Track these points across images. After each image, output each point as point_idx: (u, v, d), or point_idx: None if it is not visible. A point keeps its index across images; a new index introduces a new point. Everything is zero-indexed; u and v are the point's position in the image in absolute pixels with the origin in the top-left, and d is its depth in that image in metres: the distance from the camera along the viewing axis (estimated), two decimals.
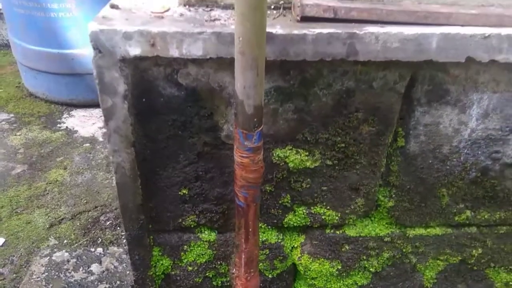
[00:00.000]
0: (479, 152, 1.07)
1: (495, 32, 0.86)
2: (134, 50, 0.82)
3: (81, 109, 2.68)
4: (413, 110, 1.00)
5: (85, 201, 1.96)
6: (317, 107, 0.98)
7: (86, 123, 2.54)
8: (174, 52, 0.83)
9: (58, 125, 2.52)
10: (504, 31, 0.87)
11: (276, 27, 0.85)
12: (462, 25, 0.88)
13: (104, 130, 2.54)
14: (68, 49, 2.41)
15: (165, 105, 0.94)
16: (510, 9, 0.92)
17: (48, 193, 1.99)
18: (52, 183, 2.06)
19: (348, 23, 0.88)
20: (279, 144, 1.03)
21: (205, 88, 0.93)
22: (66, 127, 2.50)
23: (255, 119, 0.82)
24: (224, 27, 0.84)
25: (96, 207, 1.92)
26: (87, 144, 2.34)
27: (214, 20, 0.87)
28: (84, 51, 2.41)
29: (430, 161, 1.07)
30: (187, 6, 0.93)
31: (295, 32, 0.83)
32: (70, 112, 2.65)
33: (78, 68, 2.47)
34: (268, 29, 0.81)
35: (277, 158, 1.05)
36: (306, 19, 0.88)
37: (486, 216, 1.19)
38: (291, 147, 1.03)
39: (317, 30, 0.83)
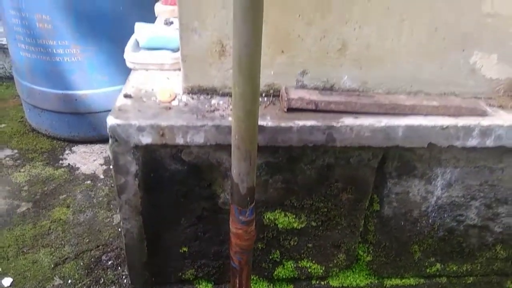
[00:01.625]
0: (445, 215, 1.22)
1: (453, 123, 1.03)
2: (146, 140, 0.97)
3: (82, 145, 2.81)
4: (386, 181, 1.16)
5: (87, 240, 2.08)
6: (302, 178, 1.13)
7: (87, 160, 2.67)
8: (180, 141, 0.99)
9: (61, 162, 2.65)
10: (461, 121, 1.03)
11: (267, 119, 1.00)
12: (425, 115, 1.05)
13: (104, 167, 2.67)
14: (72, 90, 2.56)
15: (170, 178, 1.09)
16: (467, 100, 1.09)
17: (52, 232, 2.11)
18: (56, 222, 2.18)
19: (327, 113, 1.04)
20: (269, 208, 1.18)
21: (205, 163, 1.08)
22: (68, 164, 2.63)
23: (248, 198, 0.97)
24: (223, 119, 1.00)
25: (98, 246, 2.05)
26: (89, 182, 2.47)
27: (214, 110, 1.03)
28: (86, 92, 2.56)
29: (402, 223, 1.23)
30: (190, 94, 1.09)
31: (283, 124, 0.99)
32: (72, 148, 2.78)
33: (81, 108, 2.62)
34: (260, 122, 0.97)
35: (268, 220, 1.19)
36: (292, 110, 1.04)
37: (454, 268, 1.34)
38: (280, 211, 1.19)
39: (301, 123, 0.99)
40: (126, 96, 1.06)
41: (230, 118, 1.00)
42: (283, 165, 1.10)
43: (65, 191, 2.39)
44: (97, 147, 2.77)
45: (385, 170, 1.14)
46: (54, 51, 2.41)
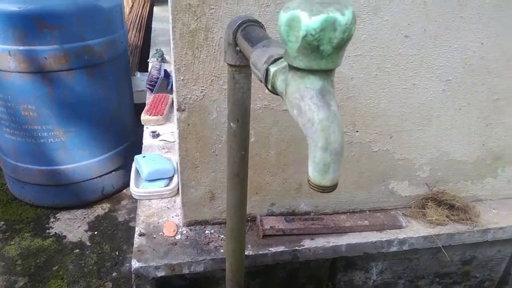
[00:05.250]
0: None
1: (379, 238, 1.47)
2: (161, 273, 1.34)
3: (65, 211, 3.07)
4: (336, 274, 1.59)
5: None
6: (276, 278, 1.53)
7: (73, 227, 2.94)
8: (186, 271, 1.36)
9: (47, 231, 2.90)
10: (385, 236, 1.48)
11: (248, 247, 1.40)
12: (360, 232, 1.49)
13: (89, 233, 2.95)
14: (55, 166, 2.83)
15: None
16: (389, 216, 1.54)
17: None
18: None
19: (292, 236, 1.45)
20: None
21: (203, 277, 1.46)
22: (55, 232, 2.89)
23: None
24: (217, 251, 1.38)
25: None
26: (77, 250, 2.75)
27: (209, 242, 1.41)
28: (68, 166, 2.83)
29: None
30: (188, 227, 1.46)
31: (260, 252, 1.39)
32: (56, 215, 3.03)
33: (63, 180, 2.89)
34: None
35: None
36: (266, 236, 1.44)
37: None
38: None
39: (273, 249, 1.40)
40: (140, 235, 1.42)
41: (221, 250, 1.38)
42: (261, 272, 1.50)
43: (56, 262, 2.66)
44: (79, 212, 3.03)
45: (335, 267, 1.57)
46: (39, 134, 2.67)
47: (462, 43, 1.30)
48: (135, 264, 1.32)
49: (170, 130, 2.06)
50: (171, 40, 1.15)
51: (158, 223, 1.48)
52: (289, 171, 1.43)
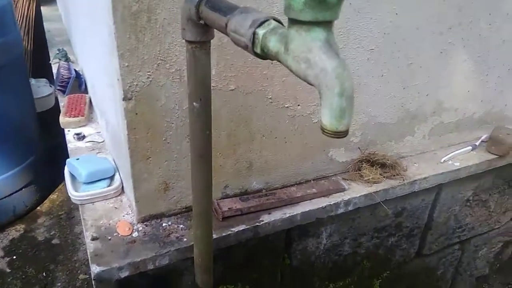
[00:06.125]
0: (330, 253, 1.79)
1: (327, 203, 1.57)
2: (125, 274, 1.27)
3: None
4: (292, 244, 1.66)
5: None
6: (236, 258, 1.55)
7: None
8: (151, 266, 1.31)
9: None
10: (332, 200, 1.59)
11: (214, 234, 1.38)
12: (310, 199, 1.57)
13: (7, 259, 2.66)
14: None
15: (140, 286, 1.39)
16: (332, 181, 1.65)
17: None
18: None
19: (250, 214, 1.47)
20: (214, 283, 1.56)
21: (165, 271, 1.41)
22: None
23: None
24: (180, 241, 1.35)
25: None
26: None
27: (169, 234, 1.37)
28: None
29: (306, 268, 1.75)
30: (144, 222, 1.40)
31: (223, 234, 1.39)
32: None
33: None
34: None
35: None
36: (226, 218, 1.44)
37: (340, 284, 1.93)
38: (223, 286, 1.58)
39: (235, 229, 1.41)
40: (93, 239, 1.32)
41: (184, 239, 1.35)
42: (222, 254, 1.50)
43: None
44: None
45: (291, 237, 1.63)
46: None
47: (381, 14, 1.44)
48: (95, 269, 1.22)
49: (95, 131, 1.92)
50: (112, 25, 1.08)
51: (109, 224, 1.39)
52: (240, 151, 1.44)
